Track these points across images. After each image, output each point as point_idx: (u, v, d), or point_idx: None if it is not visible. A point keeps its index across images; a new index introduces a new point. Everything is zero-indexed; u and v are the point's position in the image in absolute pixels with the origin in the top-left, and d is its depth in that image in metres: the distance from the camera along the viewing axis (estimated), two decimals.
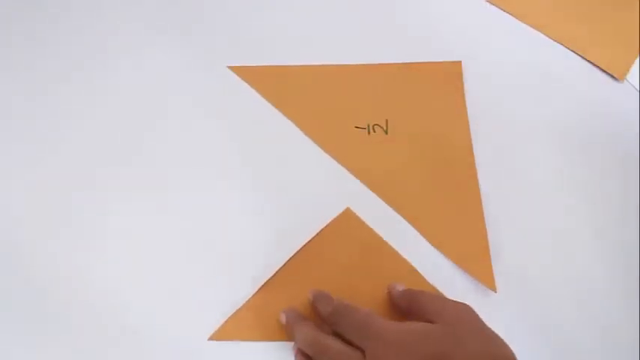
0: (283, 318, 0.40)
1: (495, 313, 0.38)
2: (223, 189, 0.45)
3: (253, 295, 0.42)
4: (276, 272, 0.42)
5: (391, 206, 0.45)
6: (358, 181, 0.46)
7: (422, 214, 0.45)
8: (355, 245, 0.44)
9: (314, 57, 0.52)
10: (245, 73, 0.51)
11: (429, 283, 0.43)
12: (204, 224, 0.44)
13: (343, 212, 0.45)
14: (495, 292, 0.42)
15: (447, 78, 0.52)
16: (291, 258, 0.43)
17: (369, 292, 0.42)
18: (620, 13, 0.58)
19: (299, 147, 0.48)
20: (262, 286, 0.42)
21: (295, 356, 0.39)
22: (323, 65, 0.52)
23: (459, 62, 0.53)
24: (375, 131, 0.49)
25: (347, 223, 0.45)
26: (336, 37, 0.54)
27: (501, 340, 0.34)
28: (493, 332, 0.35)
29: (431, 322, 0.35)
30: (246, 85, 0.50)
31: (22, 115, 0.48)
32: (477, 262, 0.43)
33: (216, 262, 0.43)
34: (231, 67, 0.51)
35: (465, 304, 0.37)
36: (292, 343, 0.40)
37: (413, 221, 0.45)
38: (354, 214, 0.45)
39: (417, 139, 0.49)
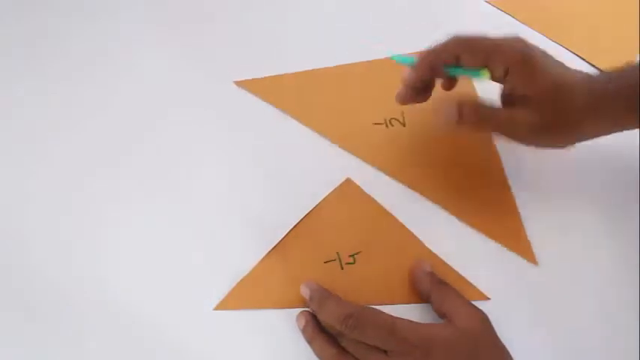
0: (307, 293, 0.40)
1: (495, 313, 0.38)
2: (223, 185, 0.46)
3: (256, 265, 0.42)
4: (279, 242, 0.43)
5: (423, 195, 0.46)
6: (386, 176, 0.47)
7: (453, 197, 0.46)
8: (356, 213, 0.45)
9: (319, 61, 0.53)
10: (254, 86, 0.51)
11: (430, 251, 0.44)
12: (208, 202, 0.45)
13: (344, 182, 0.46)
14: (537, 264, 0.43)
15: None
16: (293, 227, 0.44)
17: (371, 259, 0.43)
18: (620, 13, 0.58)
19: (321, 150, 0.48)
20: (265, 255, 0.43)
21: (304, 328, 0.39)
22: (330, 67, 0.53)
23: None
24: (392, 125, 0.49)
25: (347, 192, 0.46)
26: (339, 38, 0.55)
27: (510, 356, 0.36)
28: (503, 347, 0.37)
29: (444, 316, 0.38)
30: (257, 98, 0.51)
31: (22, 115, 0.49)
32: (513, 237, 0.44)
33: (220, 233, 0.44)
34: (238, 82, 0.51)
35: (481, 312, 0.38)
36: (295, 310, 0.40)
37: (447, 206, 0.46)
38: (354, 183, 0.46)
39: (435, 126, 0.49)
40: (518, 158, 0.48)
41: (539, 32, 0.56)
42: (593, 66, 0.54)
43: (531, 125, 0.39)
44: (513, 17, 0.57)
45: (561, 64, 0.41)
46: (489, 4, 0.58)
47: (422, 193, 0.46)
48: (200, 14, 0.56)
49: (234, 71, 0.52)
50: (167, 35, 0.54)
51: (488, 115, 0.40)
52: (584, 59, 0.54)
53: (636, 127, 0.41)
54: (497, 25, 0.57)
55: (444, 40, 0.40)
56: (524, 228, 0.45)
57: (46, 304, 0.41)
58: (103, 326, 0.40)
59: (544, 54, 0.40)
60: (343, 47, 0.54)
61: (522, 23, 0.57)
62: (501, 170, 0.48)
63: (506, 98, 0.41)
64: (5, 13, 0.54)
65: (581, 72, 0.41)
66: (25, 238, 0.43)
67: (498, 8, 0.58)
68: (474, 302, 0.39)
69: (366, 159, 0.48)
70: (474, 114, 0.40)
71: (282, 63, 0.53)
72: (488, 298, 0.42)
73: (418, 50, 0.52)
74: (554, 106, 0.39)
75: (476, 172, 0.46)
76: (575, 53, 0.55)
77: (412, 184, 0.46)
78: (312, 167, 0.47)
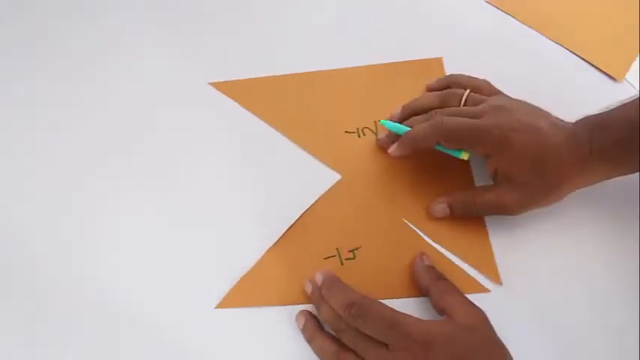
0: (309, 288, 0.41)
1: (492, 309, 0.38)
2: (222, 185, 0.46)
3: (256, 263, 0.42)
4: (279, 239, 0.43)
5: (388, 206, 0.46)
6: (355, 185, 0.46)
7: (419, 212, 0.45)
8: (354, 209, 0.45)
9: (295, 66, 0.52)
10: (228, 88, 0.51)
11: (428, 243, 0.44)
12: (206, 202, 0.45)
13: (338, 181, 0.46)
14: (501, 284, 0.42)
15: (430, 74, 0.51)
16: (292, 224, 0.44)
17: (371, 254, 0.43)
18: (620, 13, 0.58)
19: (292, 154, 0.48)
20: (265, 253, 0.43)
21: (304, 327, 0.40)
22: (305, 73, 0.52)
23: (440, 58, 0.53)
24: (364, 134, 0.49)
25: (343, 190, 0.46)
26: (341, 40, 0.55)
27: (508, 353, 0.36)
28: (502, 344, 0.37)
29: (443, 311, 0.38)
30: (231, 101, 0.50)
31: (22, 115, 0.49)
32: (479, 256, 0.44)
33: (219, 233, 0.44)
34: (212, 84, 0.51)
35: (479, 310, 0.38)
36: (297, 307, 0.41)
37: (414, 221, 0.45)
38: (350, 182, 0.46)
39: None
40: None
41: (539, 32, 0.56)
42: (593, 65, 0.54)
43: (520, 201, 0.42)
44: (513, 17, 0.57)
45: (539, 125, 0.41)
46: (489, 4, 0.58)
47: (387, 205, 0.46)
48: (200, 14, 0.56)
49: (235, 70, 0.52)
50: (167, 35, 0.54)
51: (477, 205, 0.43)
52: (584, 59, 0.54)
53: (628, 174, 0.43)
54: (498, 25, 0.57)
55: (425, 128, 0.42)
56: (491, 247, 0.44)
57: (46, 304, 0.41)
58: (103, 326, 0.40)
59: (524, 125, 0.41)
60: (345, 49, 0.54)
61: (522, 23, 0.57)
62: (472, 185, 0.47)
63: (492, 173, 0.43)
64: (5, 13, 0.55)
65: (561, 127, 0.42)
66: (25, 238, 0.43)
67: (498, 8, 0.58)
68: (474, 294, 0.39)
69: (332, 166, 0.47)
70: (463, 209, 0.44)
71: (283, 64, 0.52)
72: (489, 291, 0.42)
73: (416, 51, 0.54)
74: (538, 180, 0.41)
75: (445, 188, 0.45)
76: (575, 53, 0.55)
77: (378, 196, 0.46)
78: (310, 164, 0.47)
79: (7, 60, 0.52)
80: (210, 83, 0.51)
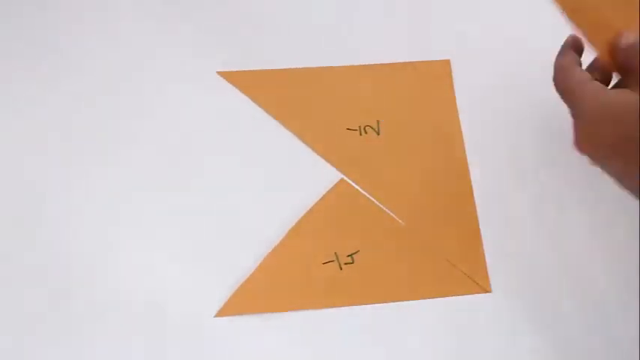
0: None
1: (492, 311, 0.38)
2: (223, 185, 0.46)
3: (255, 270, 0.42)
4: (276, 245, 0.43)
5: (385, 207, 0.46)
6: (351, 183, 0.47)
7: (416, 214, 0.45)
8: (352, 213, 0.45)
9: (303, 60, 0.52)
10: (235, 78, 0.51)
11: (425, 246, 0.44)
12: (206, 203, 0.45)
13: (338, 183, 0.46)
14: (490, 292, 0.42)
15: (437, 77, 0.52)
16: (289, 230, 0.44)
17: (370, 258, 0.43)
18: (620, 13, 0.58)
19: (291, 150, 0.48)
20: (263, 259, 0.43)
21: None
22: (312, 68, 0.52)
23: (448, 60, 0.53)
24: (366, 132, 0.49)
25: (342, 192, 0.46)
26: (341, 38, 0.54)
27: None
28: None
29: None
30: (236, 90, 0.50)
31: (22, 115, 0.49)
32: (471, 262, 0.44)
33: (220, 235, 0.44)
34: (220, 73, 0.51)
35: None
36: (296, 313, 0.41)
37: (408, 222, 0.45)
38: (349, 183, 0.46)
39: (409, 140, 0.49)
40: (491, 184, 0.47)
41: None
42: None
43: None
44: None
45: None
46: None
47: (383, 204, 0.46)
48: (200, 13, 0.55)
49: (235, 67, 0.52)
50: (166, 34, 0.54)
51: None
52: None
53: None
54: (497, 26, 0.56)
55: None
56: (484, 255, 0.44)
57: (42, 307, 0.41)
58: (100, 339, 0.40)
59: None
60: (346, 49, 0.54)
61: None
62: (471, 196, 0.47)
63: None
64: (6, 13, 0.54)
65: None
66: (25, 237, 0.43)
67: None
68: (473, 296, 0.39)
69: (332, 162, 0.47)
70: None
71: (284, 64, 0.52)
72: (489, 291, 0.42)
73: (416, 50, 0.53)
74: None
75: (443, 195, 0.46)
76: None
77: (374, 194, 0.46)
78: (310, 162, 0.47)
79: (7, 60, 0.52)
80: (218, 72, 0.51)
